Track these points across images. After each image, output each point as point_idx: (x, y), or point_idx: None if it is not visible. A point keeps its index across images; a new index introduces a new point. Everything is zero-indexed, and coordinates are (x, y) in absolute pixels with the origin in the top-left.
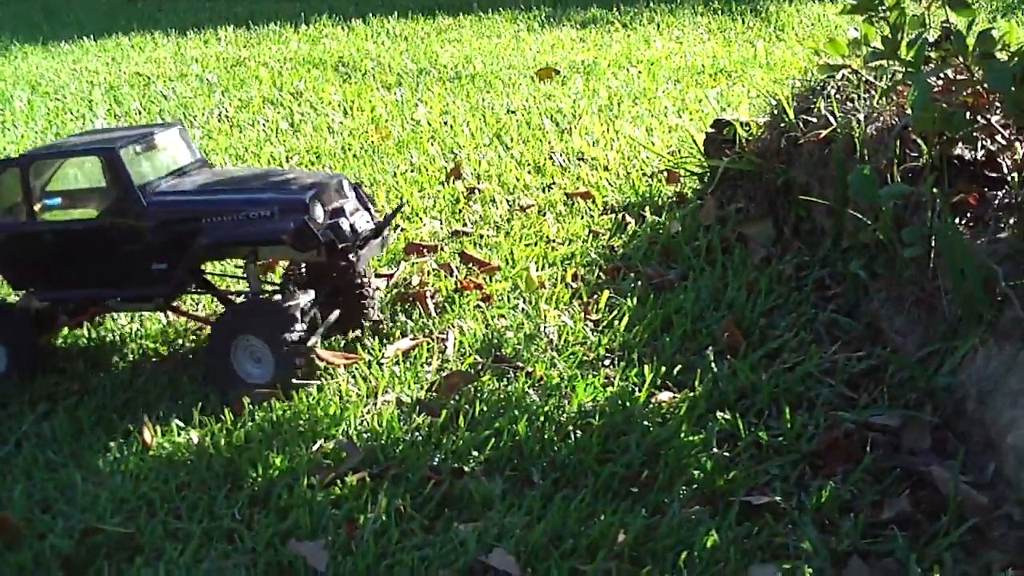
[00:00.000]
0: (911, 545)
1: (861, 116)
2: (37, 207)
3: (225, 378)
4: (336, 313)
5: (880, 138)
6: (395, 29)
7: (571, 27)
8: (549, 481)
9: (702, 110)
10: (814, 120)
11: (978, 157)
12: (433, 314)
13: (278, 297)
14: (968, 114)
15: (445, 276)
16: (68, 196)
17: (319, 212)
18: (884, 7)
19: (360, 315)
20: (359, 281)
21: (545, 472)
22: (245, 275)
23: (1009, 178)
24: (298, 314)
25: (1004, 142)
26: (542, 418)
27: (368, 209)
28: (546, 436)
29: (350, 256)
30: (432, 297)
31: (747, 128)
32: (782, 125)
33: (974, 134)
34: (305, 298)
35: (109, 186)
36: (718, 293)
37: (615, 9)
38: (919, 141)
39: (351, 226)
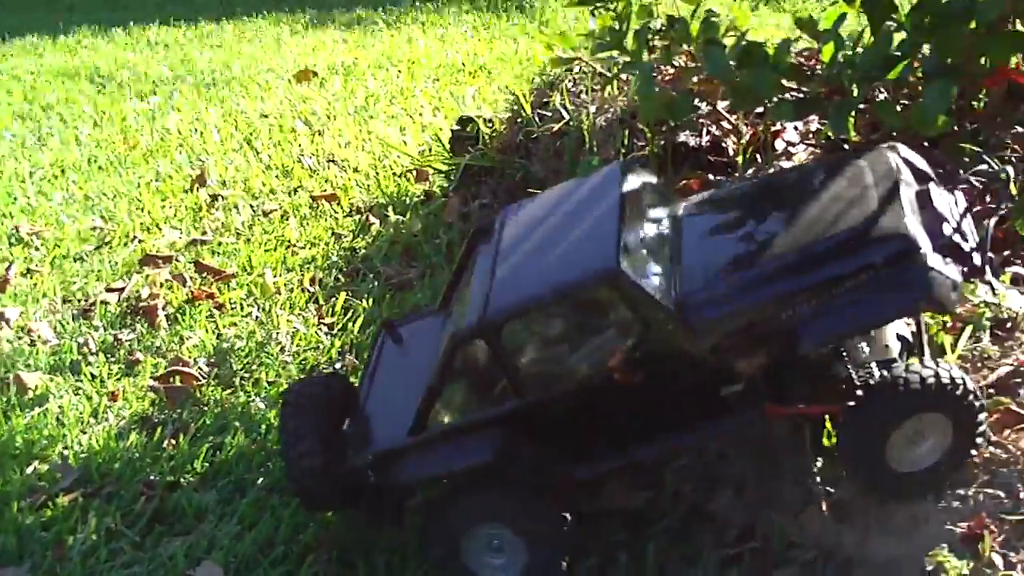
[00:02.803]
0: None
1: (592, 108)
2: None
3: None
4: None
5: (609, 128)
6: (156, 37)
7: (335, 28)
8: (264, 490)
9: (457, 108)
10: (549, 114)
11: (703, 143)
12: (164, 326)
13: None
14: (694, 101)
15: (178, 287)
16: None
17: None
18: None
19: None
20: None
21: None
22: None
23: (737, 161)
24: None
25: (730, 127)
26: (264, 426)
27: None
28: (268, 445)
29: None
30: (164, 309)
31: (490, 124)
32: (519, 120)
33: (700, 120)
34: None
35: None
36: None
37: (380, 9)
38: (645, 130)
39: None
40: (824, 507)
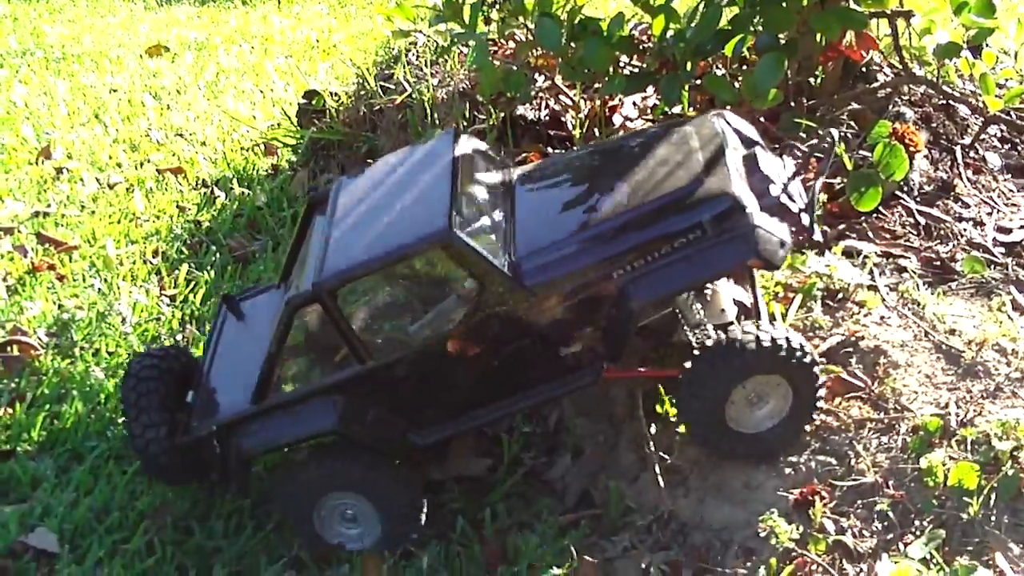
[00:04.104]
0: None
1: (434, 81)
2: None
3: None
4: None
5: (450, 101)
6: (6, 10)
7: (190, 4)
8: (101, 458)
9: (309, 84)
10: (393, 87)
11: (542, 116)
12: (3, 297)
13: None
14: (533, 75)
15: (19, 258)
16: None
17: None
18: None
19: None
20: None
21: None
22: None
23: (575, 134)
24: None
25: (570, 101)
26: (103, 395)
27: None
28: (106, 414)
29: None
30: (3, 280)
31: (336, 98)
32: (362, 93)
33: (540, 94)
34: None
35: None
36: None
37: None
38: (485, 102)
39: None
40: (660, 473)
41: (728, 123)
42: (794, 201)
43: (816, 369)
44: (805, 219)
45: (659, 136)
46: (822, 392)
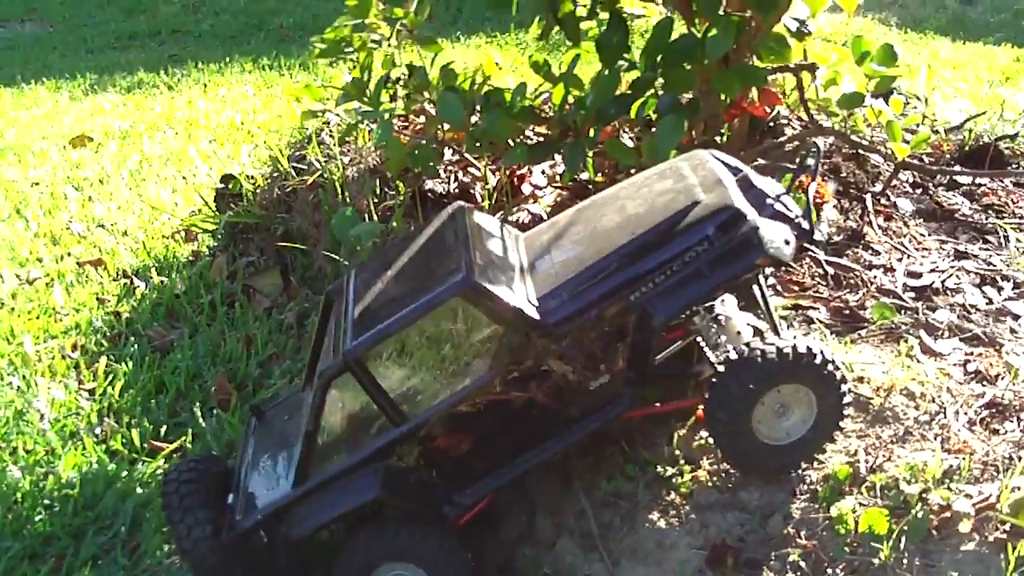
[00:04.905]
0: None
1: (345, 159)
2: None
3: None
4: None
5: (360, 179)
6: None
7: (116, 92)
8: (15, 558)
9: (231, 168)
10: (305, 167)
11: (451, 190)
12: None
13: None
14: (442, 149)
15: None
16: None
17: None
18: (352, 49)
19: None
20: None
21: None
22: None
23: (484, 206)
24: None
25: (478, 173)
26: (20, 494)
27: None
28: (23, 512)
29: None
30: None
31: (252, 180)
32: (276, 175)
33: (448, 168)
34: None
35: None
36: (217, 349)
37: (162, 72)
38: (395, 179)
39: None
40: (575, 538)
41: (715, 155)
42: (790, 210)
43: (837, 374)
44: (804, 224)
45: (653, 174)
46: (848, 399)
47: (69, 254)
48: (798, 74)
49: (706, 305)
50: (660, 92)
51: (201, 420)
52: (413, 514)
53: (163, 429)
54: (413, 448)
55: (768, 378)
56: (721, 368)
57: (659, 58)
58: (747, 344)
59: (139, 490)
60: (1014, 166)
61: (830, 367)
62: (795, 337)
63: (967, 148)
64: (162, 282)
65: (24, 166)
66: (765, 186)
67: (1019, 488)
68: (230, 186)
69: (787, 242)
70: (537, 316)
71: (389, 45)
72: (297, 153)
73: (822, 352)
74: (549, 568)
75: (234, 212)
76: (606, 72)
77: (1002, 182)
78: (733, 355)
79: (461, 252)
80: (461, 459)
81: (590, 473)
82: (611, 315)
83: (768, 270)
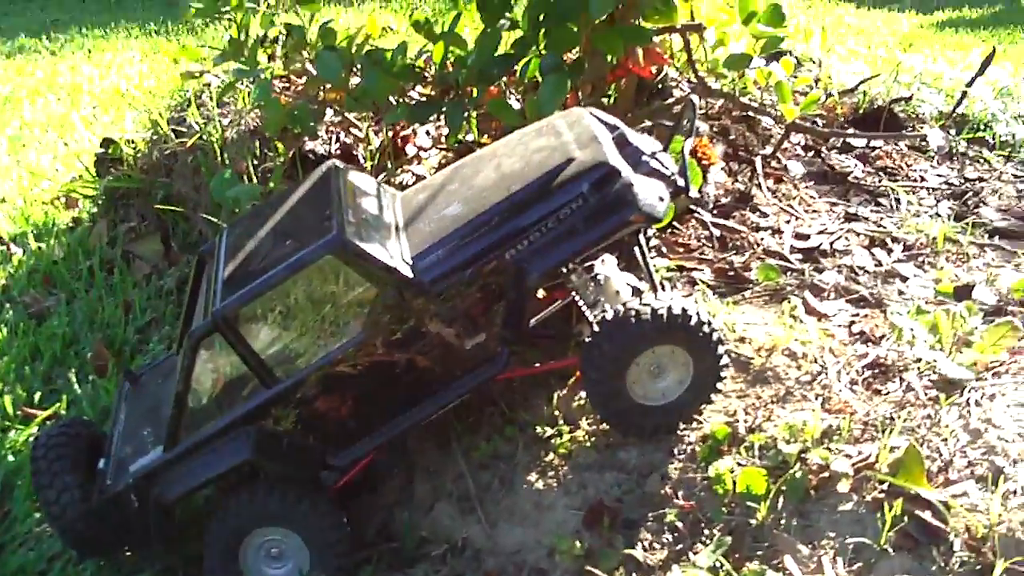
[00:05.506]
0: None
1: (224, 121)
2: None
3: None
4: None
5: (240, 141)
6: None
7: None
8: None
9: (113, 133)
10: (185, 130)
11: (333, 151)
12: None
13: None
14: (323, 109)
15: None
16: None
17: None
18: (228, 8)
19: None
20: None
21: None
22: None
23: (367, 167)
24: None
25: (360, 134)
26: None
27: None
28: None
29: None
30: None
31: (133, 144)
32: (155, 138)
33: (331, 128)
34: None
35: None
36: (94, 315)
37: (44, 37)
38: (275, 140)
39: None
40: (453, 500)
41: (592, 113)
42: (666, 167)
43: (714, 336)
44: (680, 180)
45: (530, 132)
46: (726, 361)
47: None
48: (685, 35)
49: (585, 265)
50: (543, 52)
51: (77, 386)
52: (287, 478)
53: (37, 396)
54: (290, 411)
55: (642, 339)
56: (595, 328)
57: (542, 17)
58: (623, 304)
59: (10, 458)
60: (909, 129)
61: (706, 328)
62: (672, 298)
63: (862, 111)
64: (40, 248)
65: None
66: (641, 143)
67: (898, 448)
68: (110, 150)
69: (661, 199)
70: (411, 274)
71: (267, 5)
72: (177, 116)
73: (698, 313)
74: (427, 531)
75: (114, 177)
76: (488, 31)
77: (896, 145)
78: (608, 315)
79: (333, 211)
80: (341, 422)
81: (469, 435)
82: (487, 273)
83: (653, 230)
